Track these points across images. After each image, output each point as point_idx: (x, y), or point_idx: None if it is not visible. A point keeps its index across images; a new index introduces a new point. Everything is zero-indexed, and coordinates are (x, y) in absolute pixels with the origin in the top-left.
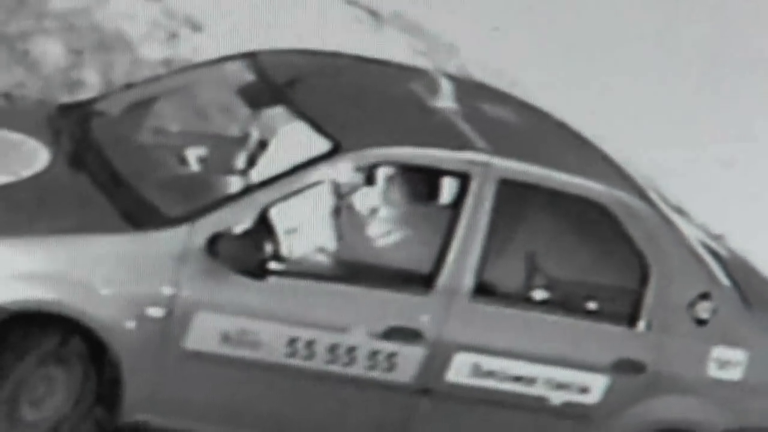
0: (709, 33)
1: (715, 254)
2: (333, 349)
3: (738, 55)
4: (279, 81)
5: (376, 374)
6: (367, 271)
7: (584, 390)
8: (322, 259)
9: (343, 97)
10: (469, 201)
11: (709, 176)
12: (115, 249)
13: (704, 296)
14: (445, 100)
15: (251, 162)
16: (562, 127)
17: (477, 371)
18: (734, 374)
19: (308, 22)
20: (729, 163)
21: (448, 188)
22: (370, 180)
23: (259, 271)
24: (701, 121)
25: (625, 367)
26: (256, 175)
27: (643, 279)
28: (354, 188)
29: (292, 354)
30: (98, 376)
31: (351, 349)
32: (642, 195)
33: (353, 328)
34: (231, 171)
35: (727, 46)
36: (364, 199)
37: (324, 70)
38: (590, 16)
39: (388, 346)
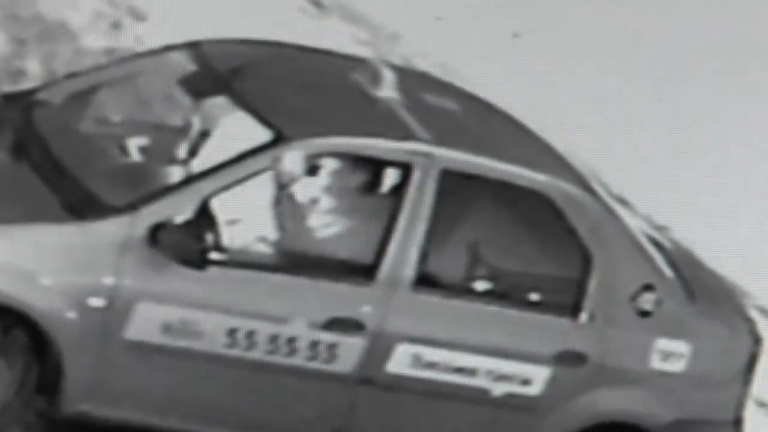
0: (655, 20)
1: (658, 245)
2: (273, 339)
3: (684, 43)
4: (221, 71)
5: (317, 365)
6: (308, 262)
7: (526, 382)
8: (264, 249)
9: (285, 87)
10: (411, 191)
11: (654, 166)
12: (56, 239)
13: (648, 288)
14: (388, 90)
15: (193, 152)
16: (505, 117)
17: (418, 362)
18: (678, 366)
19: (251, 11)
20: (674, 153)
21: (390, 178)
22: (311, 170)
23: (200, 261)
24: (646, 110)
25: (568, 359)
26: (198, 165)
27: (586, 270)
28: (295, 178)
29: (233, 344)
30: (40, 366)
31: (291, 340)
32: (585, 186)
33: (294, 319)
34: (173, 161)
35: (674, 35)
36: (306, 190)
37: (267, 60)
38: (533, 6)
39: (329, 337)
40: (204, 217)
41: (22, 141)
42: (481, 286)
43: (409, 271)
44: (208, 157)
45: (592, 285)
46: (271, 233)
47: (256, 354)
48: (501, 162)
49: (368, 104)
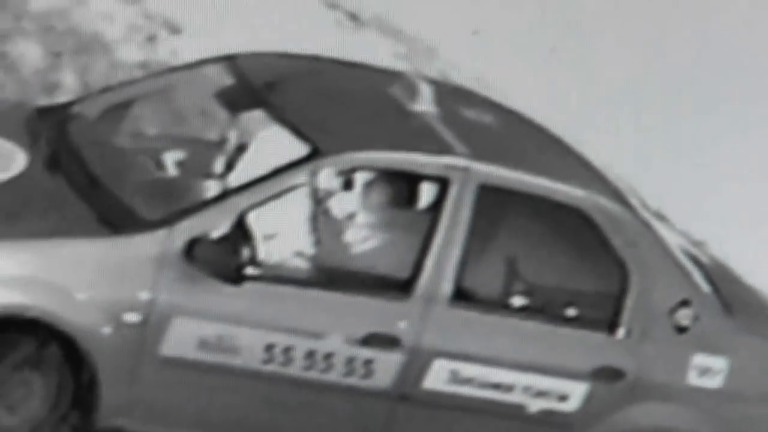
0: (692, 35)
1: (696, 261)
2: (310, 355)
3: (724, 56)
4: (258, 84)
5: (353, 381)
6: (345, 277)
7: (563, 397)
8: (300, 264)
9: (322, 100)
10: (449, 206)
11: (691, 181)
12: (92, 253)
13: (685, 303)
14: (425, 104)
15: (229, 166)
16: (542, 131)
17: (455, 378)
18: (715, 382)
19: (288, 25)
20: (712, 168)
21: (427, 193)
22: (348, 184)
23: (237, 277)
24: (684, 125)
25: (605, 375)
26: (234, 179)
27: (623, 285)
28: (332, 193)
29: (270, 360)
30: (75, 381)
31: (328, 356)
32: (622, 201)
33: (331, 334)
34: (209, 175)
35: (713, 48)
36: (342, 204)
37: (303, 73)
38: (571, 20)
39: (366, 353)
40: (240, 232)
41: (58, 154)
42: (518, 301)
43: (446, 286)
44: (244, 171)
45: (629, 300)
46: (308, 248)
47: (293, 370)
48: (538, 176)
49: (405, 118)
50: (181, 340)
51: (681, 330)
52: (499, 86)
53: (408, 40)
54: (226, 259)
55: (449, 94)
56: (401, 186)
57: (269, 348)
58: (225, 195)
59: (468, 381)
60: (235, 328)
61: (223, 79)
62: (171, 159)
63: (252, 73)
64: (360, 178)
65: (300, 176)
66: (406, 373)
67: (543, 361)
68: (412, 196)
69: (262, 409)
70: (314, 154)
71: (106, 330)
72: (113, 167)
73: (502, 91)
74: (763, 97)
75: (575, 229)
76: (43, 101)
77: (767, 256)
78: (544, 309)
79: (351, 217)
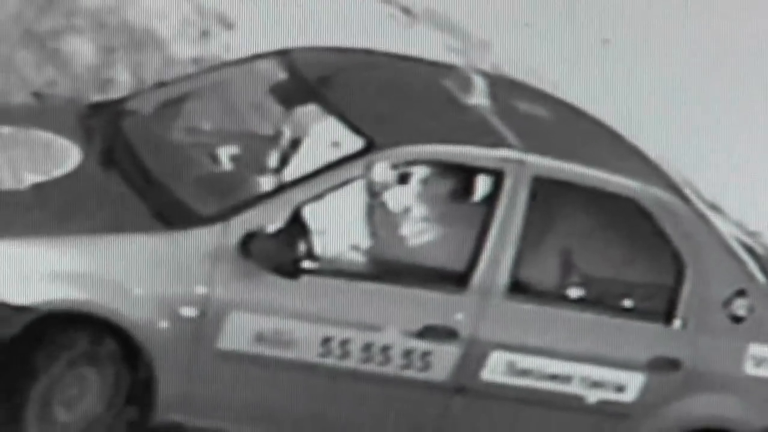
0: (746, 27)
1: (751, 251)
2: (367, 348)
3: None
4: (312, 79)
5: (410, 373)
6: (401, 270)
7: (620, 388)
8: (356, 257)
9: (376, 94)
10: (503, 199)
11: (746, 171)
12: (147, 248)
13: (740, 293)
14: (479, 98)
15: (284, 160)
16: (596, 123)
17: (512, 369)
18: None
19: (341, 19)
20: (766, 159)
21: (481, 186)
22: (403, 178)
23: (293, 270)
24: (737, 115)
25: (661, 365)
26: (289, 173)
27: (679, 276)
28: (387, 186)
29: (326, 353)
30: (131, 376)
31: (385, 348)
32: (677, 191)
33: (387, 327)
34: (264, 170)
35: (765, 38)
36: (398, 198)
37: (357, 67)
38: (624, 11)
39: (423, 345)
40: (296, 226)
41: (112, 150)
42: (574, 293)
43: (502, 278)
44: (299, 165)
45: (685, 291)
46: (364, 241)
47: (350, 363)
48: (592, 168)
49: (459, 111)
50: (238, 334)
51: (737, 320)
52: (552, 78)
53: (461, 34)
54: (282, 253)
55: (503, 87)
56: (456, 179)
57: (326, 341)
58: (280, 189)
59: (525, 372)
60: (291, 322)
61: (277, 73)
62: (225, 154)
63: (305, 68)
64: (415, 171)
65: (355, 170)
66: (464, 366)
67: (599, 352)
68: (467, 189)
69: (319, 402)
70: (369, 148)
71: (163, 325)
72: (168, 162)
73: (555, 83)
74: None
75: (630, 221)
76: (96, 97)
77: None
78: (600, 300)
79: (406, 210)
